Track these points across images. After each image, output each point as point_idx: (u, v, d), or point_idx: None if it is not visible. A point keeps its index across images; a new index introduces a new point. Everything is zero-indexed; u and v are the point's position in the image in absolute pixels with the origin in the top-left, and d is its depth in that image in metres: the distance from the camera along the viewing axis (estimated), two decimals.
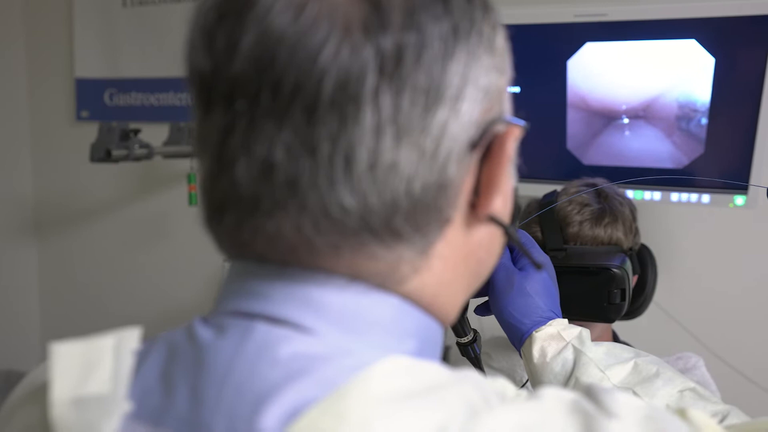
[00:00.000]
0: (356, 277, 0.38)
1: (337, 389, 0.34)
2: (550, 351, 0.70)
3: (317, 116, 0.34)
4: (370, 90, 0.34)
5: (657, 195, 1.36)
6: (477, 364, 0.79)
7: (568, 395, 0.39)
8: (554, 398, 0.39)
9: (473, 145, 0.39)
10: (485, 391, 0.38)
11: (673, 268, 1.50)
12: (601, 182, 1.12)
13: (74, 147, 2.01)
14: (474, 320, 0.80)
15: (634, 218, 1.09)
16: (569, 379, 0.69)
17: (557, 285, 0.76)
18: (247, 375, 0.36)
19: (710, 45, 1.19)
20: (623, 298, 0.97)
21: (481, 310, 0.81)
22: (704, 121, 1.25)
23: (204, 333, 0.39)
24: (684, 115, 1.27)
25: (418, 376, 0.37)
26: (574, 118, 1.35)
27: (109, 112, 2.02)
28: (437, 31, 0.36)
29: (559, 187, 1.13)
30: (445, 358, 1.73)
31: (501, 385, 0.40)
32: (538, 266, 0.50)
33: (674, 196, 1.34)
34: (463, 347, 0.79)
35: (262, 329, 0.37)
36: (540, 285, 0.73)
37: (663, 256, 1.52)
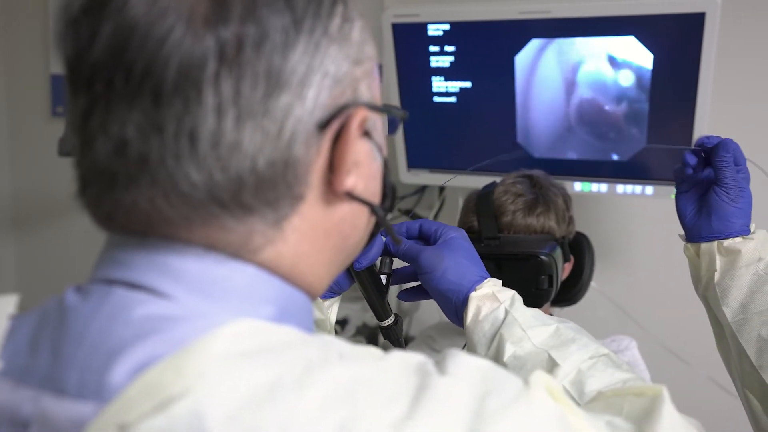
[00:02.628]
0: (212, 246, 0.42)
1: (183, 347, 0.38)
2: (484, 310, 0.73)
3: (163, 99, 0.38)
4: (210, 76, 0.38)
5: (603, 187, 1.40)
6: (400, 347, 0.82)
7: (415, 358, 0.43)
8: (399, 359, 0.42)
9: (321, 127, 0.42)
10: (330, 351, 0.41)
11: (618, 256, 1.55)
12: (538, 174, 1.16)
13: (51, 143, 2.03)
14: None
15: (567, 208, 1.13)
16: (494, 337, 0.71)
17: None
18: (102, 334, 0.39)
19: (648, 41, 1.23)
20: (551, 284, 1.01)
21: (406, 295, 0.84)
22: (645, 115, 1.29)
23: (71, 298, 0.42)
24: (626, 109, 1.31)
25: (265, 337, 0.40)
26: (523, 112, 1.39)
27: None
28: (278, 23, 0.40)
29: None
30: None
31: (363, 349, 0.43)
32: (397, 241, 0.53)
33: (620, 188, 1.38)
34: (385, 330, 0.82)
35: (119, 293, 0.41)
36: (467, 252, 0.77)
37: (609, 245, 1.57)
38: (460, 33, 1.37)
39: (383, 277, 0.80)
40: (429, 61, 1.42)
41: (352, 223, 0.48)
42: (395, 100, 1.47)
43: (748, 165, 0.84)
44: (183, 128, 0.38)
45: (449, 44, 1.39)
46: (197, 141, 0.39)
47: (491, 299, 0.73)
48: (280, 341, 0.40)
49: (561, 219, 1.11)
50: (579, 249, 1.21)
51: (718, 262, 0.83)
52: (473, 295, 0.74)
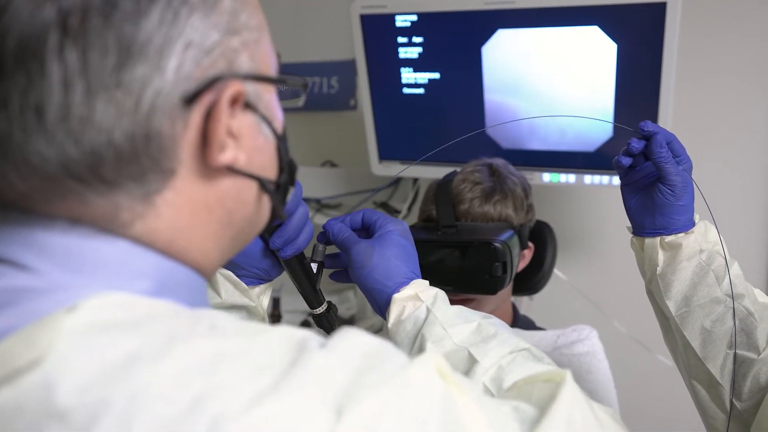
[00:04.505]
0: (77, 221, 0.41)
1: (38, 320, 0.37)
2: (407, 310, 0.72)
3: (5, 72, 0.37)
4: (53, 47, 0.37)
5: (572, 178, 1.40)
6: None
7: (300, 333, 0.41)
8: (281, 334, 0.41)
9: (188, 100, 0.41)
10: (199, 324, 0.39)
11: (586, 246, 1.55)
12: (498, 163, 1.16)
13: None
14: None
15: (526, 196, 1.13)
16: (416, 337, 0.71)
17: (415, 248, 0.78)
18: None
19: (612, 31, 1.23)
20: (504, 271, 1.01)
21: (338, 276, 0.83)
22: (611, 105, 1.29)
23: None
24: (592, 100, 1.31)
25: (132, 310, 0.39)
26: (491, 103, 1.39)
27: None
28: None
29: None
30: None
31: (245, 324, 0.41)
32: (282, 217, 0.51)
33: (587, 179, 1.38)
34: (317, 318, 0.81)
35: None
36: (399, 249, 0.75)
37: (578, 235, 1.57)
38: (427, 24, 1.37)
39: (314, 265, 0.79)
40: (398, 53, 1.42)
41: (236, 198, 0.47)
42: (366, 92, 1.47)
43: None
44: (28, 102, 0.37)
45: (417, 35, 1.39)
46: (44, 115, 0.38)
47: (414, 299, 0.72)
48: (146, 314, 0.39)
49: (519, 207, 1.11)
50: (541, 237, 1.21)
51: (661, 256, 0.83)
52: (396, 296, 0.73)
